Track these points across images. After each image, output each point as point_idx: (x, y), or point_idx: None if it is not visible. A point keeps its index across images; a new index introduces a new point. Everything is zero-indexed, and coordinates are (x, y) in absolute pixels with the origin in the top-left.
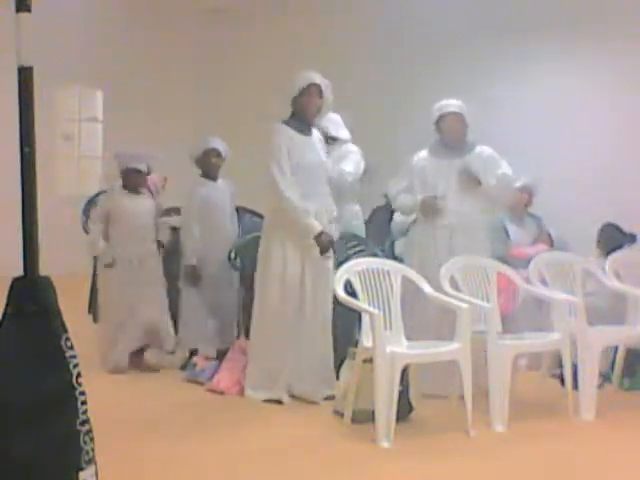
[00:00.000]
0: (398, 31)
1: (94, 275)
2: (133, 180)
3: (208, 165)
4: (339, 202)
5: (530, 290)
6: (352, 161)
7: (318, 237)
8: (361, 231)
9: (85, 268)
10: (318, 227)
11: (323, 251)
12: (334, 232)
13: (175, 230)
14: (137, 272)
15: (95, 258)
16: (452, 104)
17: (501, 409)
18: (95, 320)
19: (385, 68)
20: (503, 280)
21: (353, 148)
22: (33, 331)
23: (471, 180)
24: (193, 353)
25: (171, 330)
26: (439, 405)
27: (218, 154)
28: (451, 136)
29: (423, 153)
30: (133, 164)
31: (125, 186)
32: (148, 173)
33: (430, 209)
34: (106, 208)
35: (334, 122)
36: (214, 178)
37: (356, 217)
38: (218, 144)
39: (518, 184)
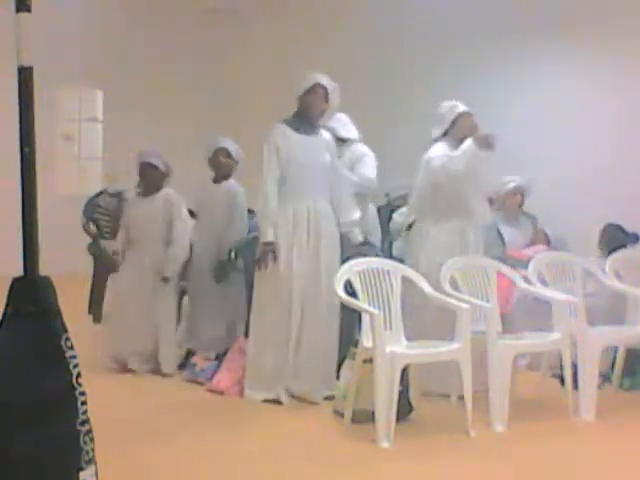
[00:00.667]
0: (398, 31)
1: (94, 275)
2: (148, 176)
3: (218, 165)
4: (361, 205)
5: (530, 290)
6: (370, 166)
7: (263, 246)
8: (377, 232)
9: (85, 268)
10: (269, 237)
11: (259, 261)
12: (325, 233)
13: None
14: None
15: (95, 258)
16: (461, 104)
17: (501, 409)
18: (95, 320)
19: (385, 68)
20: (501, 280)
21: (365, 149)
22: (33, 331)
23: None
24: (191, 352)
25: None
26: (439, 405)
27: (228, 154)
28: (470, 134)
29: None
30: (146, 158)
31: (139, 184)
32: (167, 174)
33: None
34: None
35: (341, 122)
36: (220, 180)
37: (372, 218)
38: (228, 144)
39: (511, 185)
